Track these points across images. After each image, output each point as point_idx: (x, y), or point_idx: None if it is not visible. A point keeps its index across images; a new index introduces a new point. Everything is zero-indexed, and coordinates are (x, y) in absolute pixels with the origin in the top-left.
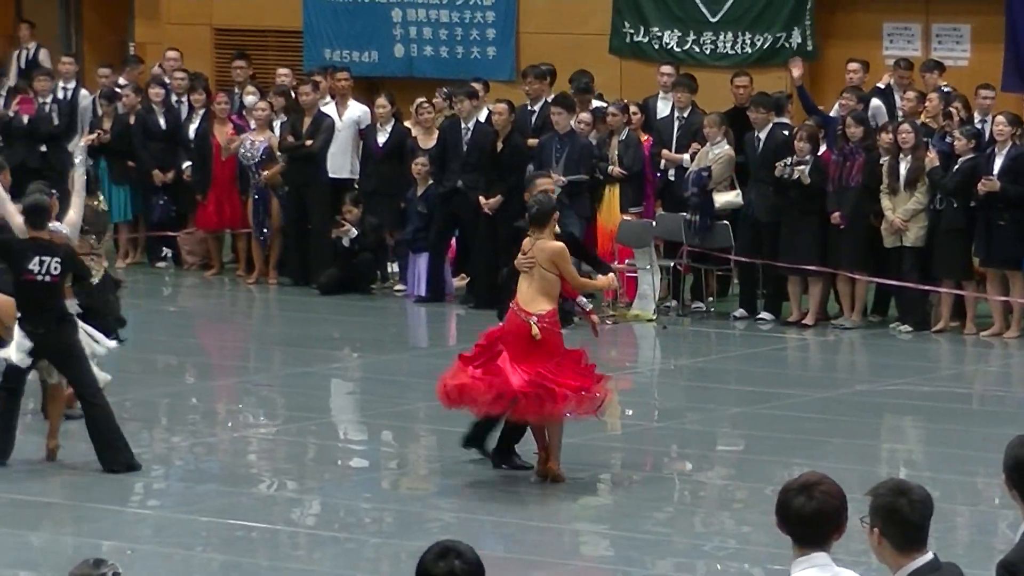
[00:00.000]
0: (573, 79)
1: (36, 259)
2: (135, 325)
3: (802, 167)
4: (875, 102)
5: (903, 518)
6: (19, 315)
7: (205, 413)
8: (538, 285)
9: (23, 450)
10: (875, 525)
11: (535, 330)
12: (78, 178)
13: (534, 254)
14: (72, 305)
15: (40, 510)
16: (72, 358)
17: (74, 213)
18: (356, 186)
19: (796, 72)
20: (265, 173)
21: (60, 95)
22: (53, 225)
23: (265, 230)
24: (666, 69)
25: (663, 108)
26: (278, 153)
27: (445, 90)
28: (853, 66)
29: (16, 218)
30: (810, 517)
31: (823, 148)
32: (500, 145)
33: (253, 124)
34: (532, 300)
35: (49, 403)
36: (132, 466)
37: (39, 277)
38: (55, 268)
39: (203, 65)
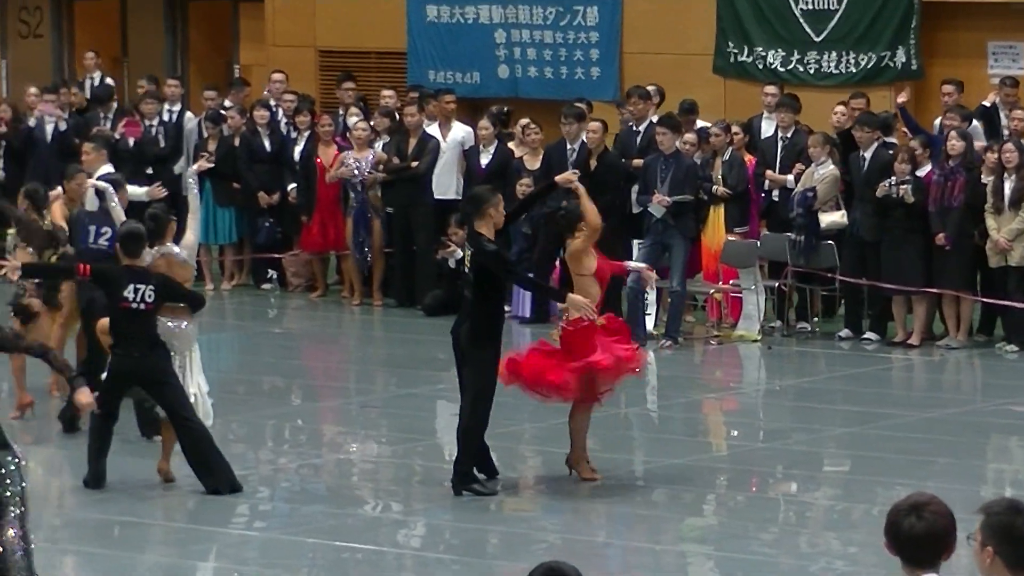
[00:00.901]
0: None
1: (131, 287)
2: (240, 347)
3: (906, 186)
4: (973, 124)
5: (1019, 536)
6: (112, 342)
7: (311, 434)
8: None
9: (129, 472)
10: (988, 543)
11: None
12: (192, 200)
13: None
14: (191, 328)
15: (146, 531)
16: (164, 383)
17: (191, 235)
18: (461, 207)
19: (902, 99)
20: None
21: (166, 117)
22: (169, 247)
23: (367, 250)
24: (770, 89)
25: (767, 128)
26: (378, 172)
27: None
28: (947, 88)
29: None
30: (920, 538)
31: (928, 167)
32: (594, 163)
33: (354, 144)
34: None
35: (164, 426)
36: (235, 486)
37: (133, 304)
38: (149, 296)
39: (307, 87)
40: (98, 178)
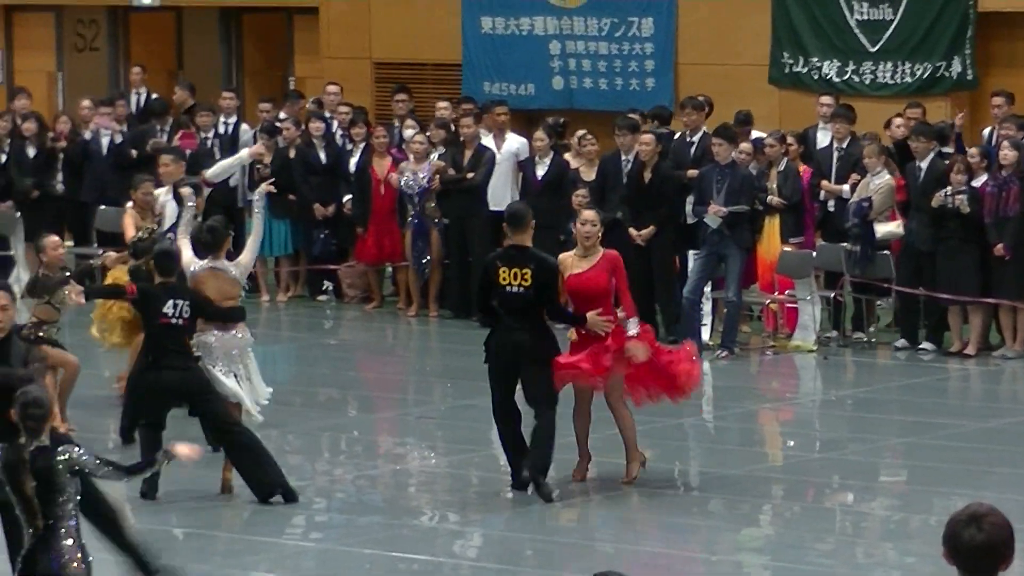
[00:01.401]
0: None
1: (170, 302)
2: (296, 359)
3: (962, 196)
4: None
5: None
6: (151, 359)
7: (367, 446)
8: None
9: (186, 483)
10: None
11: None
12: (257, 223)
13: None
14: (246, 337)
15: (205, 542)
16: (207, 394)
17: (248, 255)
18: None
19: (959, 120)
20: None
21: (221, 130)
22: (222, 263)
23: (425, 261)
24: (826, 99)
25: (823, 139)
26: (437, 177)
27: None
28: (997, 100)
29: (186, 250)
30: (979, 548)
31: (984, 178)
32: (648, 175)
33: (411, 157)
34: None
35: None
36: (288, 490)
37: (173, 320)
38: (186, 311)
39: (363, 99)
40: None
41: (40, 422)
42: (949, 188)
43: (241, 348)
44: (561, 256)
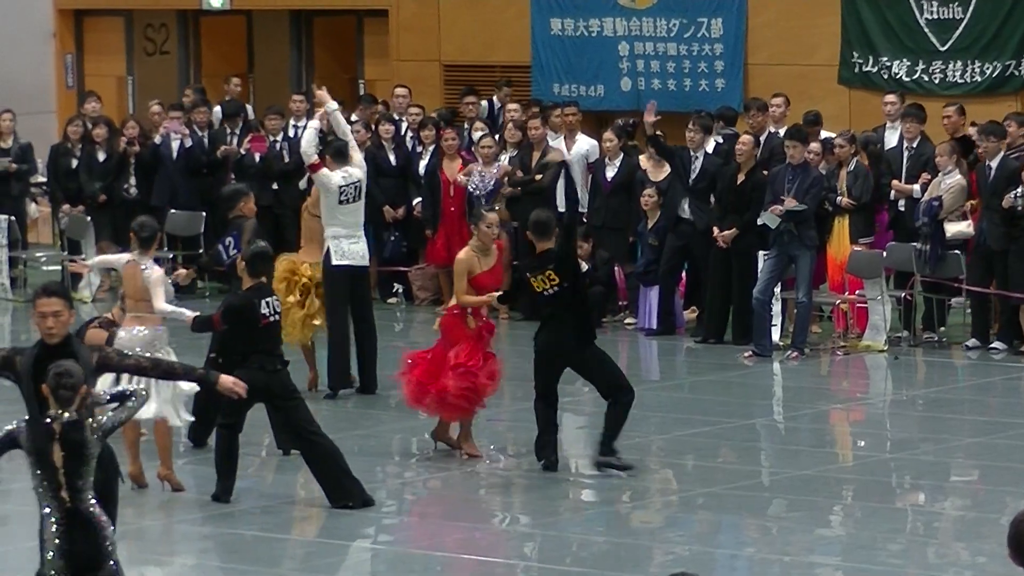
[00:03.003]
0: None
1: (263, 302)
2: None
3: None
4: None
5: None
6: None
7: (438, 448)
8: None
9: (258, 486)
10: None
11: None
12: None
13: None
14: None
15: (276, 546)
16: (292, 399)
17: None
18: (585, 220)
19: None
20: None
21: (291, 133)
22: (149, 261)
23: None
24: (890, 98)
25: (891, 138)
26: (505, 180)
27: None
28: None
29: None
30: None
31: None
32: (741, 177)
33: (480, 159)
34: None
35: (158, 430)
36: (367, 500)
37: (271, 318)
38: (277, 305)
39: (432, 101)
40: None
41: (73, 392)
42: (1020, 188)
43: (146, 343)
44: (464, 255)
